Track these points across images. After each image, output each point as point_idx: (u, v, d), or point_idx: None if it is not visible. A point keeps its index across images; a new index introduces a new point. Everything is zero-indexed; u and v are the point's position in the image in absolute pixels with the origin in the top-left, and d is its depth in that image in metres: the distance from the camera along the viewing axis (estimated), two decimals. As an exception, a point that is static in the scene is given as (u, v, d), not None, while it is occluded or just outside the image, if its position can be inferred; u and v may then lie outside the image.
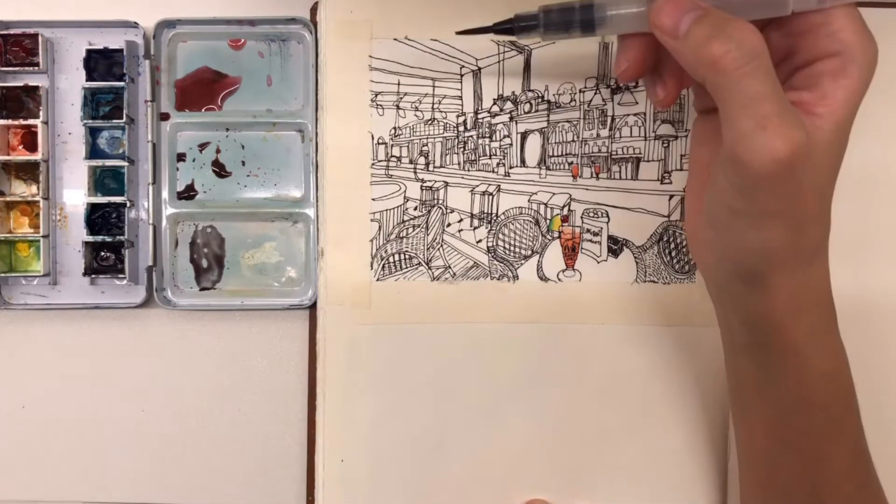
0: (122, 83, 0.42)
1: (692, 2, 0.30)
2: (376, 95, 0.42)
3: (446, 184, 0.43)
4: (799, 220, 0.30)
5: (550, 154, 0.43)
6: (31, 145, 0.43)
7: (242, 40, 0.43)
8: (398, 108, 0.42)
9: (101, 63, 0.42)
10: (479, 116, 0.43)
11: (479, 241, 0.43)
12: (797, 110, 0.30)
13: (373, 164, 0.42)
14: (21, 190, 0.43)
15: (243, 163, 0.43)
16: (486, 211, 0.43)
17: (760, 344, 0.33)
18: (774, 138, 0.28)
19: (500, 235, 0.43)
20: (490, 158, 0.43)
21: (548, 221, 0.43)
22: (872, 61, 0.30)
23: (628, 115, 0.43)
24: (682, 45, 0.30)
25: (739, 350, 0.35)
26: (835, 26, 0.30)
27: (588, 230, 0.43)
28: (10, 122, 0.42)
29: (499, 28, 0.36)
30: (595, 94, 0.43)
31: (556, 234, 0.43)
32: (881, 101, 0.43)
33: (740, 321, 0.33)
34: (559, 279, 0.43)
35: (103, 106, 0.43)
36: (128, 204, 0.42)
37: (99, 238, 0.42)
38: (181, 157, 0.43)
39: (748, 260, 0.31)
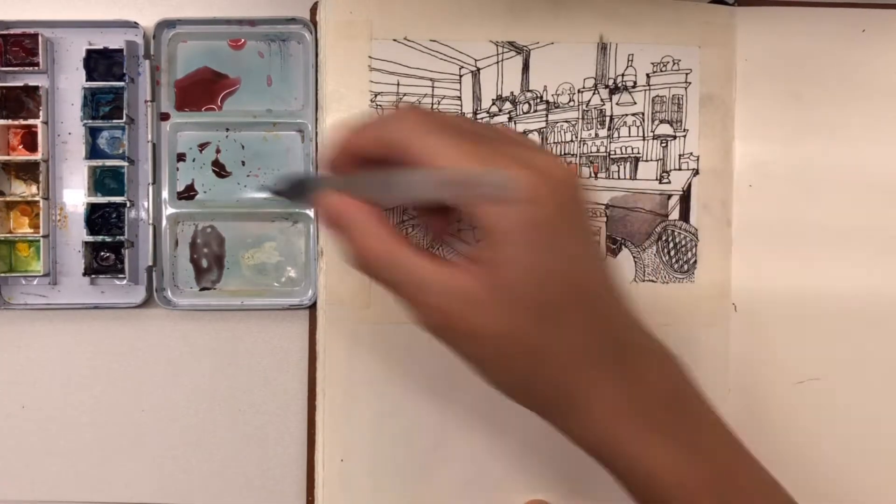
0: (122, 83, 0.42)
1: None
2: (376, 96, 0.42)
3: (446, 184, 0.43)
4: (498, 334, 0.32)
5: (549, 154, 0.43)
6: (31, 145, 0.43)
7: (242, 40, 0.43)
8: (398, 108, 0.42)
9: (101, 63, 0.42)
10: (479, 117, 0.43)
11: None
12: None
13: (372, 164, 0.42)
14: (21, 190, 0.43)
15: (243, 163, 0.43)
16: (485, 211, 0.43)
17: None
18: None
19: (500, 235, 0.43)
20: (489, 158, 0.43)
21: (547, 221, 0.43)
22: (510, 238, 0.31)
23: (626, 115, 0.43)
24: None
25: None
26: (473, 217, 0.32)
27: (587, 230, 0.43)
28: (10, 122, 0.42)
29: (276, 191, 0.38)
30: (593, 94, 0.43)
31: (555, 234, 0.43)
32: (879, 100, 0.43)
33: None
34: (558, 278, 0.43)
35: (103, 106, 0.43)
36: (128, 204, 0.42)
37: (99, 238, 0.42)
38: (181, 157, 0.43)
39: None
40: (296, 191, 0.37)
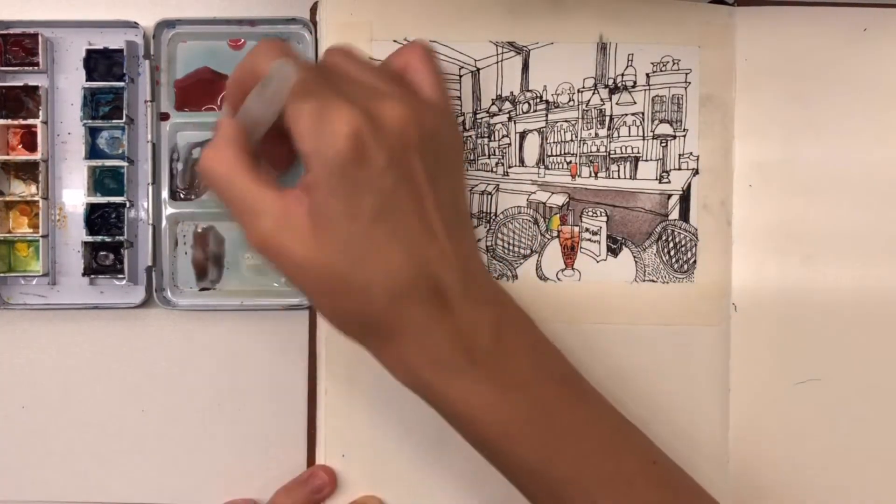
0: (121, 83, 0.42)
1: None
2: (376, 95, 0.42)
3: (446, 183, 0.43)
4: (313, 261, 0.32)
5: (549, 154, 0.43)
6: (30, 145, 0.43)
7: (242, 40, 0.43)
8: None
9: (101, 63, 0.42)
10: (478, 116, 0.43)
11: (479, 240, 0.43)
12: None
13: (372, 164, 0.42)
14: (20, 190, 0.43)
15: (243, 163, 0.43)
16: (484, 210, 0.43)
17: None
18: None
19: (499, 235, 0.43)
20: (489, 158, 0.43)
21: (546, 221, 0.43)
22: (327, 163, 0.31)
23: (626, 114, 0.43)
24: None
25: None
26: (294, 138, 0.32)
27: (587, 229, 0.43)
28: (9, 122, 0.42)
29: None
30: (593, 93, 0.43)
31: (554, 234, 0.43)
32: (880, 100, 0.43)
33: None
34: (558, 279, 0.43)
35: (103, 106, 0.43)
36: (127, 204, 0.42)
37: (98, 238, 0.42)
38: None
39: None
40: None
